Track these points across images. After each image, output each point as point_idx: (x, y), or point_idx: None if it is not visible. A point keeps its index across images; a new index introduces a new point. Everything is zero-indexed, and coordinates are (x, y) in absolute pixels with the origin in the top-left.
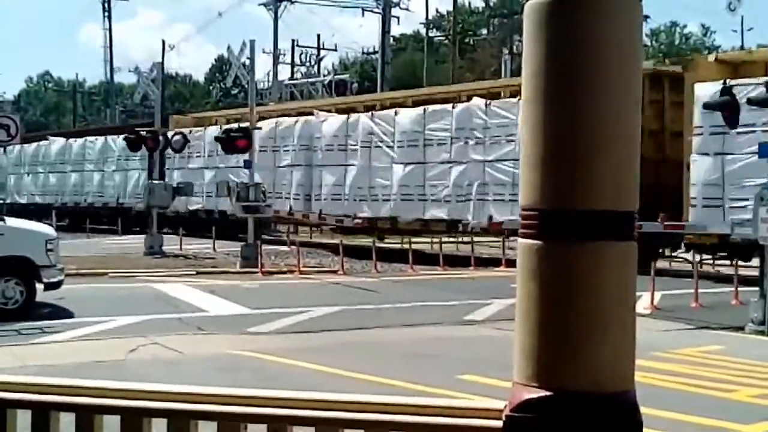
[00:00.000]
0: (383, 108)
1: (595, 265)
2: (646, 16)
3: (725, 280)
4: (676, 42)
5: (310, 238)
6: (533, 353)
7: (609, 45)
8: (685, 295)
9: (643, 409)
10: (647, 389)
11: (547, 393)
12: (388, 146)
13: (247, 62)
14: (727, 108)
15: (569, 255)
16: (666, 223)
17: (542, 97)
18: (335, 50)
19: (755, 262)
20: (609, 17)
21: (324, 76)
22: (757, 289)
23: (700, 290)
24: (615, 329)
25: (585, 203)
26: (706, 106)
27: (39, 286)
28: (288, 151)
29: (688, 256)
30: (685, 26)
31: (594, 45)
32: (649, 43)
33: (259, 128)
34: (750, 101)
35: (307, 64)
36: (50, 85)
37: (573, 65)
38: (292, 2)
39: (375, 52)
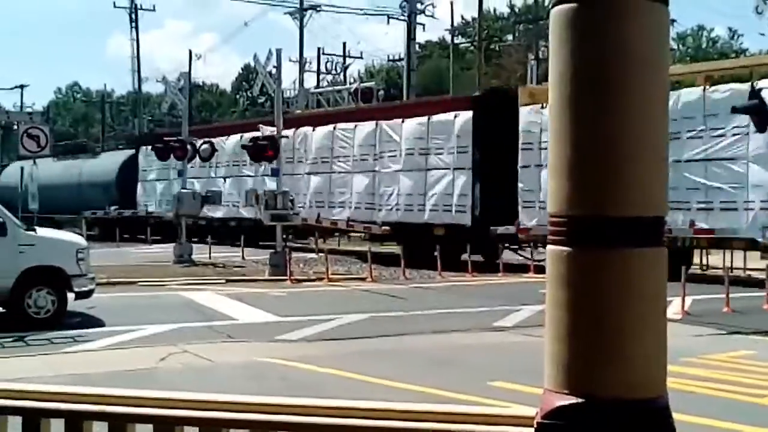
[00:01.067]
0: None
1: (625, 271)
2: (673, 20)
3: (756, 284)
4: (703, 46)
5: None
6: (563, 360)
7: (636, 49)
8: (716, 300)
9: (675, 415)
10: (679, 395)
11: (578, 400)
12: None
13: (274, 71)
14: (756, 112)
15: (599, 261)
16: (695, 227)
17: (569, 103)
18: (361, 58)
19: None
20: (635, 21)
21: (350, 83)
22: None
23: (731, 295)
24: (646, 335)
25: (614, 209)
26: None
27: (70, 296)
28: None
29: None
30: (712, 30)
31: (620, 49)
32: (675, 47)
33: (286, 137)
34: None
35: (333, 72)
36: (79, 95)
37: (600, 70)
38: (318, 11)
39: (400, 60)
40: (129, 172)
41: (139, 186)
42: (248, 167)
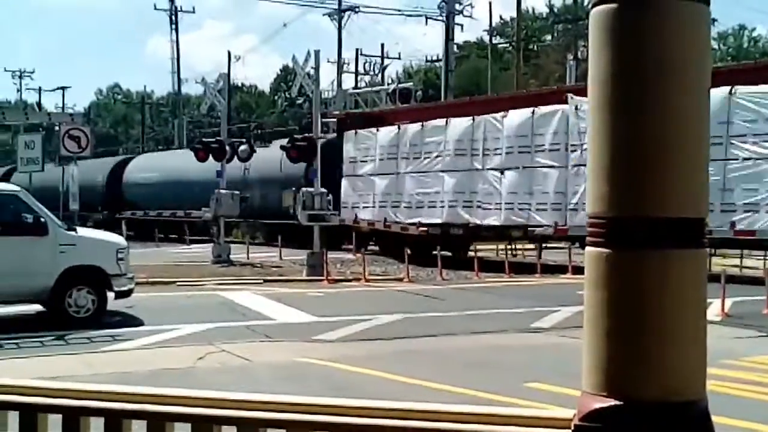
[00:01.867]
0: None
1: (665, 273)
2: (714, 20)
3: None
4: (745, 45)
5: None
6: (602, 362)
7: (676, 49)
8: (757, 301)
9: (715, 419)
10: (719, 398)
11: (617, 402)
12: None
13: (312, 72)
14: None
15: (638, 263)
16: (736, 229)
17: (609, 104)
18: (399, 59)
19: None
20: (676, 21)
21: (388, 84)
22: None
23: None
24: (685, 337)
25: (654, 210)
26: None
27: (110, 295)
28: None
29: None
30: (753, 29)
31: (660, 50)
32: (716, 47)
33: (323, 138)
34: None
35: (371, 72)
36: (119, 97)
37: (640, 70)
38: (356, 12)
39: (438, 60)
40: (325, 164)
41: (345, 183)
42: (546, 154)
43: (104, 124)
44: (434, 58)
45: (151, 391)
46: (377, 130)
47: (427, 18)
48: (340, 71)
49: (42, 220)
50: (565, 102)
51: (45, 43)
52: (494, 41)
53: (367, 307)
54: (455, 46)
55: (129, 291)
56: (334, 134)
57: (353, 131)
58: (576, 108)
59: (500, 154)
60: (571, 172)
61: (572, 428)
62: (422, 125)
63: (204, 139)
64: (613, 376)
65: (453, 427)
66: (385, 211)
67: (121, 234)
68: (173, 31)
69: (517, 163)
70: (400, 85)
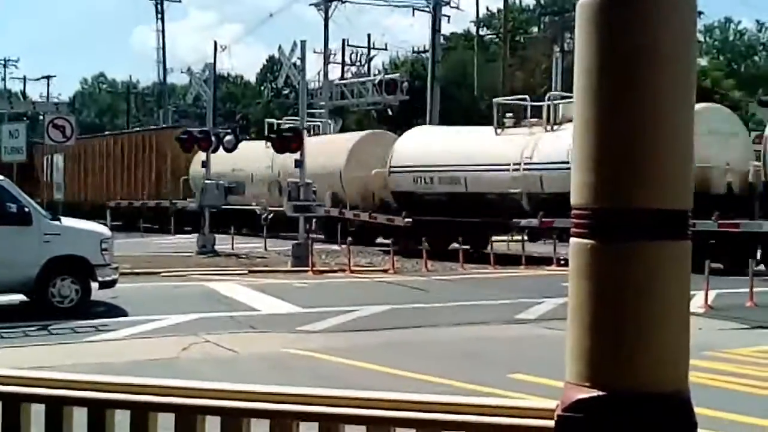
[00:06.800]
0: None
1: (648, 265)
2: (700, 12)
3: None
4: (730, 38)
5: None
6: (585, 353)
7: (663, 42)
8: (740, 294)
9: (697, 410)
10: (701, 390)
11: (600, 393)
12: None
13: (298, 62)
14: None
15: (622, 254)
16: (720, 221)
17: (594, 95)
18: (385, 49)
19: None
20: (663, 13)
21: (374, 75)
22: None
23: (755, 289)
24: (668, 329)
25: (638, 202)
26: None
27: (94, 285)
28: None
29: None
30: (739, 22)
31: (647, 42)
32: (702, 39)
33: (307, 128)
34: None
35: (358, 63)
36: (104, 86)
37: (626, 63)
38: (343, 2)
39: (425, 51)
40: None
41: None
42: None
43: (89, 113)
44: (421, 49)
45: (135, 381)
46: None
47: (414, 9)
48: (326, 62)
49: (26, 209)
50: None
51: (30, 32)
52: (481, 33)
53: (352, 298)
54: (442, 38)
55: (113, 281)
56: None
57: None
58: None
59: None
60: None
61: (555, 419)
62: None
63: (189, 129)
64: (597, 367)
65: (438, 417)
66: None
67: (105, 224)
68: (159, 21)
69: None
70: (387, 76)
